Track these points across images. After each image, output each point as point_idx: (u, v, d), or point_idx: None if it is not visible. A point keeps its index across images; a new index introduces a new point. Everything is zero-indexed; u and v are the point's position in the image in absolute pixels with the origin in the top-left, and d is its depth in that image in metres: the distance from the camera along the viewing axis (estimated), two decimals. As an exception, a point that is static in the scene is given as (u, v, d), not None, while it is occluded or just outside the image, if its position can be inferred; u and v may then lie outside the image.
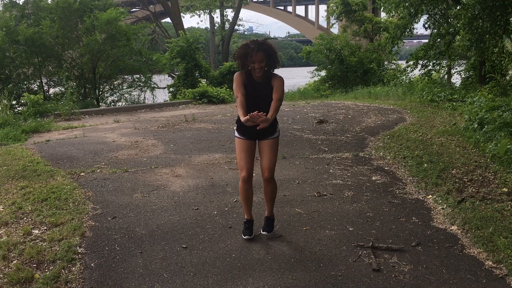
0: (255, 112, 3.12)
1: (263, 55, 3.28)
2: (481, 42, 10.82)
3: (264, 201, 3.74)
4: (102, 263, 3.19)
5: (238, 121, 3.43)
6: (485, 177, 4.97)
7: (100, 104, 16.17)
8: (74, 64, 15.96)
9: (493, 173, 5.06)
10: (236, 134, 3.48)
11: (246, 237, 3.55)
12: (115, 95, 17.52)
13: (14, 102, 13.86)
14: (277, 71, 3.50)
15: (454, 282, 2.89)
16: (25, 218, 3.99)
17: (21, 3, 16.23)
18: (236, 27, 29.39)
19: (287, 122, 9.14)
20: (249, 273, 3.04)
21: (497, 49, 10.88)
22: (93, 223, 3.90)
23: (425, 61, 15.97)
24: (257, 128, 3.15)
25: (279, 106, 3.34)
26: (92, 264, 3.18)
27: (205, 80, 17.31)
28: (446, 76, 17.33)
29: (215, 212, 4.16)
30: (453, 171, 5.17)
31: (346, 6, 21.19)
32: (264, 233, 3.63)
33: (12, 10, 15.95)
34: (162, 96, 20.00)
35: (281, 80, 3.40)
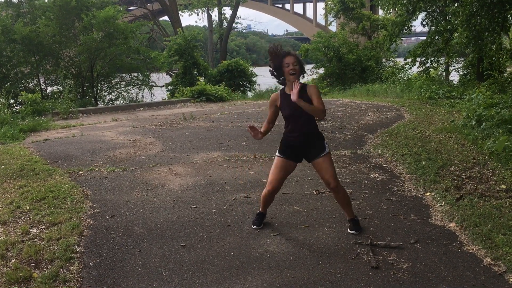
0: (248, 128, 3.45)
1: (294, 58, 3.40)
2: (479, 39, 10.82)
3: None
4: (100, 262, 3.19)
5: (283, 143, 3.56)
6: (483, 174, 4.97)
7: (98, 102, 16.13)
8: (71, 63, 15.92)
9: (491, 170, 5.07)
10: (277, 153, 3.59)
11: (254, 227, 3.73)
12: (113, 94, 17.47)
13: (12, 101, 13.83)
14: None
15: (453, 279, 2.90)
16: (23, 217, 3.98)
17: (15, 2, 16.17)
18: (234, 25, 29.44)
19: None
20: (248, 271, 3.04)
21: (495, 46, 10.85)
22: (92, 222, 3.90)
23: (423, 59, 15.96)
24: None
25: (317, 109, 3.32)
26: (90, 263, 3.17)
27: (203, 78, 17.30)
28: (444, 74, 17.34)
29: (214, 211, 4.16)
30: (451, 168, 5.18)
31: (343, 3, 21.16)
32: (352, 232, 3.62)
33: (8, 9, 15.89)
34: (160, 94, 19.97)
35: (316, 88, 3.43)
